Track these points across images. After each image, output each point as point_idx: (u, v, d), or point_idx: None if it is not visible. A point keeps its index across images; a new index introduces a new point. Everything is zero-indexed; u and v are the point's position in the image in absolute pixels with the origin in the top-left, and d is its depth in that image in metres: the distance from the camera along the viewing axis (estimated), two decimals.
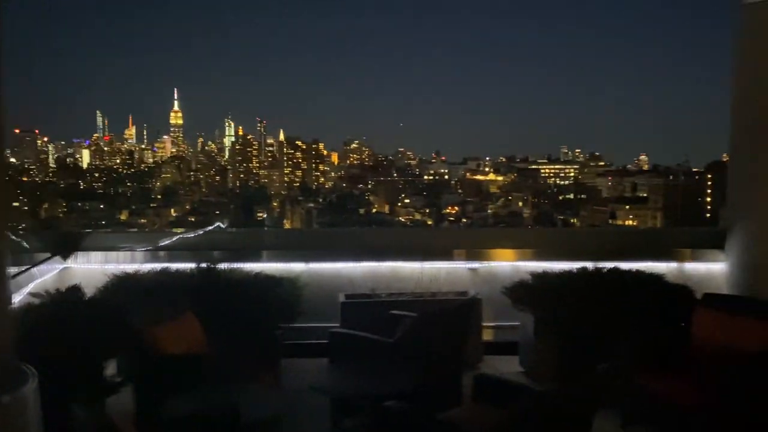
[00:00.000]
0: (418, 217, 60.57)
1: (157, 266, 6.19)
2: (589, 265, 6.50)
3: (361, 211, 59.33)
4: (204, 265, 6.19)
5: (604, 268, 6.37)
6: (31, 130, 63.73)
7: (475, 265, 6.79)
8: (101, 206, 56.43)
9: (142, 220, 54.56)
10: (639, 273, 6.26)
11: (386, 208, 63.34)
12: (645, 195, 54.00)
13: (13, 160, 63.64)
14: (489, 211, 56.15)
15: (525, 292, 6.02)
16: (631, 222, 54.19)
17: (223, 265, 6.22)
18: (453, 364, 4.87)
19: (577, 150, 75.52)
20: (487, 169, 71.20)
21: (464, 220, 57.74)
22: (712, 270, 6.83)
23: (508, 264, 6.79)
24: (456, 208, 62.60)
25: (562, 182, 69.00)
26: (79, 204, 56.73)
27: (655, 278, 6.25)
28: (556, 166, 72.50)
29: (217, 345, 4.84)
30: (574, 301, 5.78)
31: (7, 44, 3.08)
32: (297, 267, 6.61)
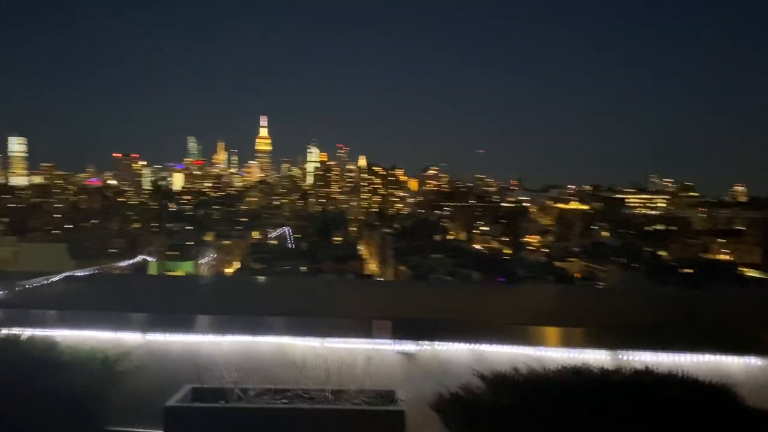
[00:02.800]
0: (495, 245, 56.77)
1: None
2: (599, 357, 3.71)
3: (436, 237, 56.32)
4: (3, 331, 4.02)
5: (625, 367, 3.55)
6: (129, 155, 66.10)
7: (411, 347, 4.07)
8: (189, 227, 56.93)
9: (226, 242, 54.53)
10: (683, 381, 3.41)
11: (462, 235, 59.93)
12: (741, 228, 47.98)
13: (113, 182, 66.19)
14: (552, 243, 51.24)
15: (460, 410, 3.28)
16: (725, 257, 48.05)
17: (30, 332, 4.04)
18: None
19: (667, 180, 69.49)
20: (570, 198, 66.28)
21: (543, 249, 53.41)
22: None
23: (466, 348, 4.03)
24: (536, 236, 58.16)
25: (651, 212, 62.98)
26: (168, 225, 57.49)
27: (717, 393, 3.37)
28: (644, 196, 66.50)
29: None
30: None
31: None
32: (132, 339, 4.19)
